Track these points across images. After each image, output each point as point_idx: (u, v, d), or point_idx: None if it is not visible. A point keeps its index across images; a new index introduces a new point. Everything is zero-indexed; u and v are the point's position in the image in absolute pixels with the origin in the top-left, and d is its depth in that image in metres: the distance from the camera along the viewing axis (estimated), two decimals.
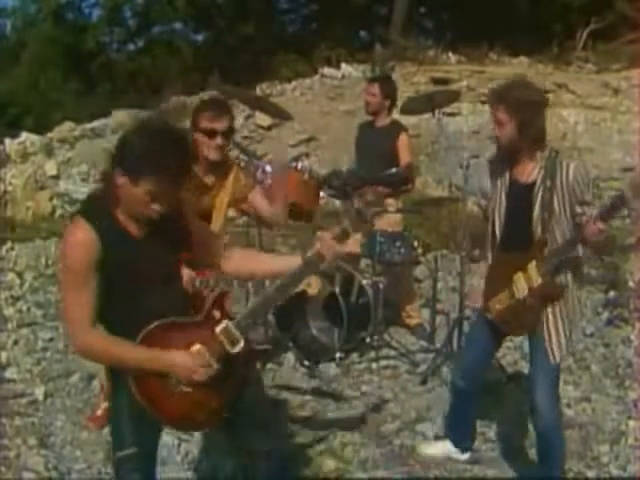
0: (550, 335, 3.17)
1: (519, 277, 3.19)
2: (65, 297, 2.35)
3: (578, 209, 3.11)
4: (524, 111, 3.10)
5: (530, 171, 3.18)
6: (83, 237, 2.26)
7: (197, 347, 2.34)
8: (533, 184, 3.16)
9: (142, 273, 2.34)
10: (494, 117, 3.16)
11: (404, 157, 5.36)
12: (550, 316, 3.18)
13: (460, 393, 3.53)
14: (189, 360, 2.32)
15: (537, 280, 3.15)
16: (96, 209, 2.33)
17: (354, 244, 5.20)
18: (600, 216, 2.92)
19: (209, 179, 3.47)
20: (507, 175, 3.24)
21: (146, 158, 2.22)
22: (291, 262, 2.50)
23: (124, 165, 2.25)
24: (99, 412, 3.97)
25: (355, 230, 2.49)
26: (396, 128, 5.47)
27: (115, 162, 2.28)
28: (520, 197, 3.19)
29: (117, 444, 2.43)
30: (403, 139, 5.41)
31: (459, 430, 3.66)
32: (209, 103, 3.56)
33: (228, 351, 2.36)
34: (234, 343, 2.36)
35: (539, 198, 3.14)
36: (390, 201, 5.15)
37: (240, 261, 2.61)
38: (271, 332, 4.90)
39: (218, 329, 2.36)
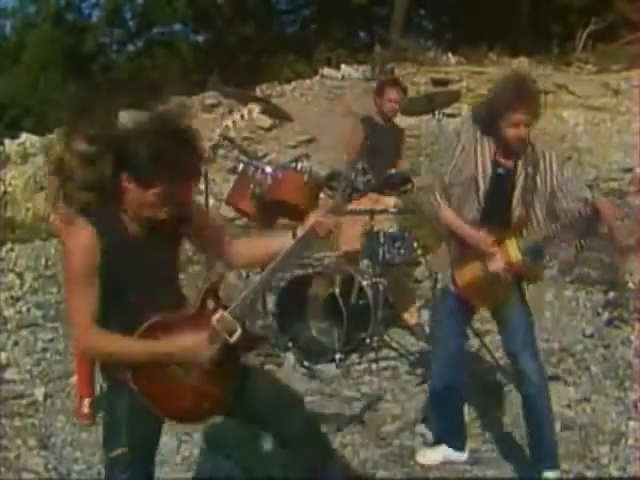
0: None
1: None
2: (69, 299, 2.36)
3: (561, 198, 3.19)
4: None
5: (512, 159, 3.25)
6: (84, 241, 2.26)
7: (196, 335, 2.32)
8: (515, 167, 3.23)
9: (143, 272, 2.34)
10: (519, 119, 3.11)
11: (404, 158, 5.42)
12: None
13: (443, 391, 3.50)
14: (186, 344, 2.30)
15: (517, 257, 3.18)
16: (97, 210, 2.32)
17: (354, 241, 5.22)
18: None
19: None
20: (492, 153, 3.26)
21: (156, 162, 2.19)
22: (285, 240, 2.48)
23: (132, 170, 2.23)
24: (85, 409, 3.98)
25: (346, 201, 2.50)
26: (401, 131, 5.56)
27: (120, 166, 2.25)
28: (503, 178, 3.24)
29: (109, 444, 2.42)
30: (403, 143, 5.53)
31: (449, 429, 3.65)
32: None
33: (227, 341, 2.33)
34: (232, 332, 2.33)
35: (521, 181, 3.21)
36: (387, 200, 5.17)
37: (244, 252, 2.61)
38: (271, 332, 4.91)
39: (214, 319, 2.33)
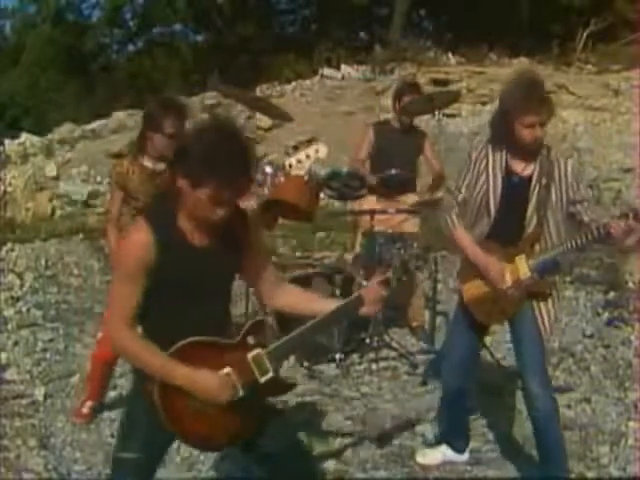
0: (542, 318, 3.22)
1: (505, 267, 3.20)
2: (112, 291, 2.37)
3: (579, 207, 3.14)
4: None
5: (527, 164, 3.20)
6: (140, 238, 2.26)
7: (226, 370, 2.30)
8: (530, 178, 3.18)
9: (194, 283, 2.32)
10: (535, 119, 3.06)
11: (437, 163, 5.42)
12: (541, 304, 3.22)
13: (453, 391, 3.50)
14: (216, 382, 2.28)
15: (525, 274, 3.15)
16: (160, 212, 2.32)
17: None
18: (634, 217, 2.91)
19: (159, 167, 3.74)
20: (504, 164, 3.22)
21: (206, 162, 2.19)
22: (331, 304, 2.49)
23: (184, 168, 2.24)
24: (85, 410, 3.99)
25: (397, 280, 2.51)
26: (421, 134, 5.49)
27: (175, 165, 2.28)
28: (516, 190, 3.19)
29: (121, 444, 2.42)
30: (429, 147, 5.46)
31: (453, 430, 3.65)
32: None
33: (256, 380, 2.34)
34: (263, 372, 2.34)
35: (535, 194, 3.15)
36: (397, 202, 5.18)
37: (287, 298, 2.58)
38: (271, 332, 4.90)
39: (250, 356, 2.34)
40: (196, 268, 2.32)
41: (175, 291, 2.31)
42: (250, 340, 2.37)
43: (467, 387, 3.50)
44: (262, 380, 2.34)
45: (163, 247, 2.26)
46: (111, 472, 2.47)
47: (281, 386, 2.47)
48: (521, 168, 3.21)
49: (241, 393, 2.32)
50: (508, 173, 3.21)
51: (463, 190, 3.28)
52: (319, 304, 2.54)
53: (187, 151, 2.25)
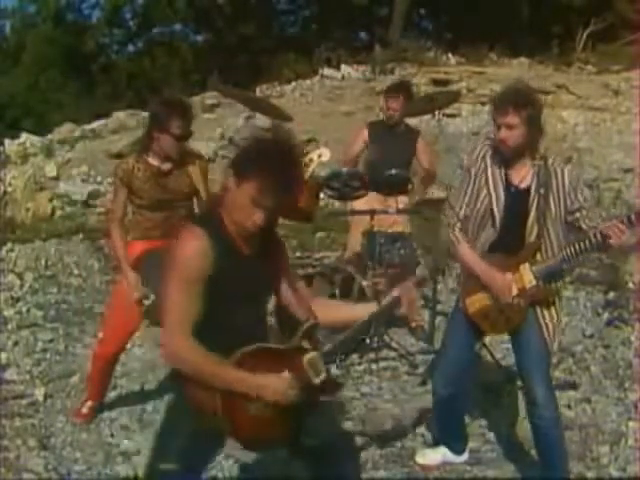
0: (547, 325, 3.22)
1: (510, 279, 3.20)
2: (171, 302, 2.30)
3: (577, 214, 3.15)
4: (532, 113, 3.11)
5: (524, 176, 3.20)
6: (198, 245, 2.26)
7: (287, 374, 2.33)
8: (528, 189, 3.19)
9: (242, 291, 2.34)
10: (502, 120, 3.10)
11: (427, 161, 5.44)
12: (544, 311, 3.23)
13: (444, 401, 3.47)
14: (281, 384, 2.30)
15: (530, 282, 3.17)
16: (211, 219, 2.34)
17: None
18: (628, 220, 2.95)
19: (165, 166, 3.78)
20: (504, 176, 3.23)
21: (253, 161, 2.24)
22: (368, 308, 2.55)
23: (234, 166, 2.29)
24: (84, 410, 4.00)
25: (431, 278, 2.57)
26: (415, 133, 5.52)
27: (230, 164, 2.33)
28: (516, 201, 3.19)
29: (161, 453, 2.43)
30: (422, 144, 5.47)
31: (449, 434, 3.64)
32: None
33: (311, 381, 2.38)
34: (318, 374, 2.39)
35: (535, 204, 3.16)
36: (391, 202, 5.16)
37: (321, 311, 2.60)
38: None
39: (306, 359, 2.38)
40: (245, 274, 2.34)
41: (226, 297, 2.32)
42: (305, 344, 2.43)
43: (462, 392, 3.47)
44: (316, 381, 2.38)
45: (218, 252, 2.27)
46: None
47: (331, 386, 2.51)
48: (519, 180, 3.21)
49: (302, 395, 2.34)
50: (508, 185, 3.22)
51: (464, 207, 3.28)
52: (352, 310, 2.63)
53: (241, 151, 2.32)
